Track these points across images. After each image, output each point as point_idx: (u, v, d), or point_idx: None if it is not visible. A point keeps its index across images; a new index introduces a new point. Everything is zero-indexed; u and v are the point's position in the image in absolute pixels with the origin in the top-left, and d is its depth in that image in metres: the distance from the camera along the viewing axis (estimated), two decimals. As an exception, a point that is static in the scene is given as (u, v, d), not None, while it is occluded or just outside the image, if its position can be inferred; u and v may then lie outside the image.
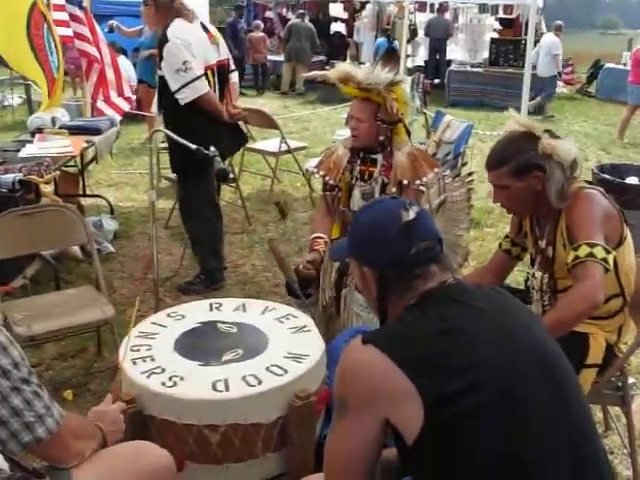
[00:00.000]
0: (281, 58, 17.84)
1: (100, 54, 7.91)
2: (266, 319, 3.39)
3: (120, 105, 7.76)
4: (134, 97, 8.49)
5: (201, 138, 4.24)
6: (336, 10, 20.02)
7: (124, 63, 12.53)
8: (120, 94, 7.80)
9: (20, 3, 6.87)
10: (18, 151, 5.95)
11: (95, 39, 7.95)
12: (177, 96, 5.11)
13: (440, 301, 1.97)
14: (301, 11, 18.31)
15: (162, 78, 5.20)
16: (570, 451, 1.85)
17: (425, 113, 8.87)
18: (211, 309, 3.51)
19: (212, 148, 3.93)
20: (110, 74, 8.00)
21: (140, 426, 2.86)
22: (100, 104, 7.85)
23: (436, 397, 1.78)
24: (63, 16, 7.84)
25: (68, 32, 7.86)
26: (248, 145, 7.94)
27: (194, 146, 3.82)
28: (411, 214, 2.02)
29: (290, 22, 17.76)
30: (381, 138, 4.00)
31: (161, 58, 5.13)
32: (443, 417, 1.78)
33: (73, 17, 7.81)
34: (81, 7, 7.81)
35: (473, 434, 1.79)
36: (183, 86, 5.09)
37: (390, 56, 4.06)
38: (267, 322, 3.35)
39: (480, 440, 1.78)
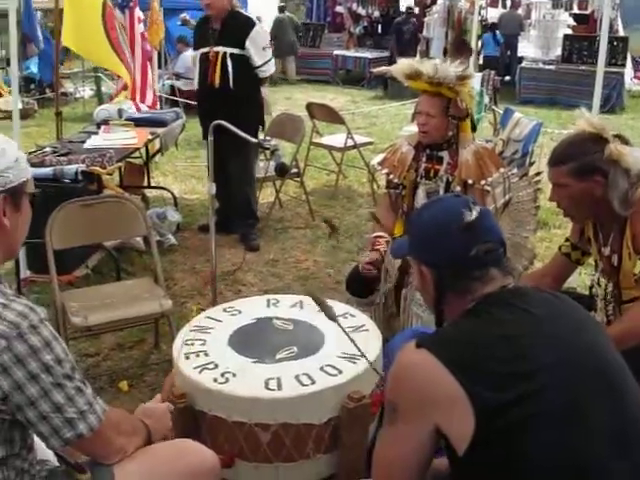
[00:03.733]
0: (350, 53, 17.78)
1: (133, 59, 7.91)
2: (323, 317, 3.32)
3: (142, 109, 7.76)
4: (152, 104, 8.46)
5: (260, 113, 6.06)
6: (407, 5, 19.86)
7: (190, 56, 12.70)
8: (142, 100, 7.81)
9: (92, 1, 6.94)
10: (83, 142, 6.00)
11: (132, 45, 7.95)
12: (262, 69, 6.04)
13: (498, 306, 1.89)
14: (282, 4, 18.39)
15: (235, 57, 5.88)
16: (631, 462, 1.77)
17: (494, 110, 8.72)
18: (268, 305, 3.47)
19: (273, 142, 3.91)
20: (137, 80, 8.01)
21: (190, 421, 2.84)
22: (123, 104, 7.87)
23: (489, 406, 1.72)
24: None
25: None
26: (314, 140, 7.93)
27: (255, 140, 3.78)
28: (473, 214, 1.94)
29: (275, 17, 17.57)
30: (449, 134, 3.91)
31: (239, 38, 5.89)
32: (496, 426, 1.72)
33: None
34: (127, 6, 7.82)
35: (530, 444, 1.72)
36: (265, 62, 6.04)
37: (461, 48, 3.98)
38: (324, 320, 3.28)
39: (538, 450, 1.71)
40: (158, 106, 8.36)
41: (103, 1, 6.93)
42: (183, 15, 11.73)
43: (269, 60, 6.12)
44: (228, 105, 5.67)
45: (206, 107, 6.03)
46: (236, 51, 5.89)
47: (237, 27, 5.97)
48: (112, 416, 2.05)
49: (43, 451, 2.15)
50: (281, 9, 17.86)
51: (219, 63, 5.86)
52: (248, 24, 6.03)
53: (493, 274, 1.95)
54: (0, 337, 1.79)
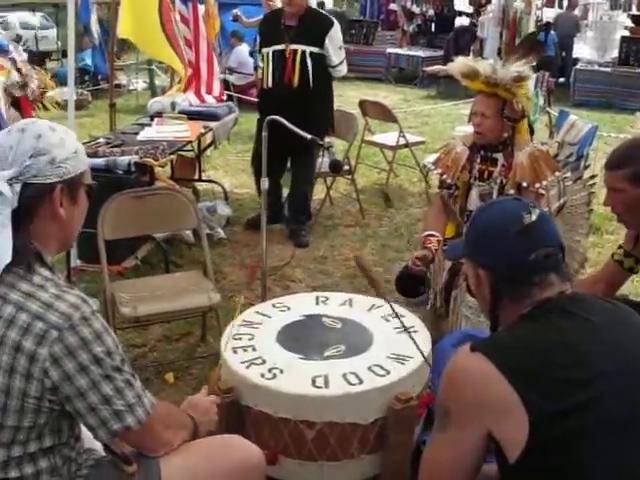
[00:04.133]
0: (404, 51, 17.69)
1: (198, 51, 7.95)
2: (372, 316, 3.31)
3: (208, 101, 7.79)
4: (219, 95, 8.50)
5: (332, 112, 6.19)
6: (461, 4, 19.71)
7: (243, 51, 12.78)
8: (209, 92, 7.84)
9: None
10: (136, 134, 6.04)
11: (196, 36, 8.00)
12: (338, 68, 6.04)
13: (556, 312, 1.86)
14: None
15: (314, 56, 5.85)
16: None
17: (549, 112, 8.62)
18: (317, 302, 3.46)
19: (327, 139, 3.89)
20: (204, 71, 8.05)
21: (236, 416, 2.84)
22: (190, 96, 7.92)
23: (545, 413, 1.69)
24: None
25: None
26: (366, 137, 7.90)
27: (309, 136, 3.76)
28: (533, 217, 1.91)
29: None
30: (504, 135, 3.86)
31: (318, 36, 5.86)
32: (552, 434, 1.69)
33: (181, 16, 7.90)
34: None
35: (587, 452, 1.70)
36: (341, 62, 6.04)
37: (533, 46, 3.93)
38: (373, 319, 3.27)
39: (595, 458, 1.70)
40: (225, 97, 8.38)
41: (160, -6, 6.99)
42: (235, 11, 11.78)
43: (344, 59, 6.11)
44: (304, 104, 5.66)
45: (278, 105, 5.42)
46: (315, 50, 5.85)
47: (316, 25, 5.95)
48: (160, 409, 2.06)
49: (90, 440, 2.15)
50: (320, 4, 17.72)
51: (298, 61, 5.80)
52: (327, 22, 6.01)
53: (551, 279, 1.92)
54: (52, 328, 1.80)
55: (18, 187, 1.86)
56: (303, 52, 5.80)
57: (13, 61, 7.06)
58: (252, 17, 11.83)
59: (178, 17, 7.31)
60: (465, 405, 1.78)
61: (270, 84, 5.95)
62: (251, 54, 12.30)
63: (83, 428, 2.04)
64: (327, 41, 5.89)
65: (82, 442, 2.11)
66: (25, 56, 8.72)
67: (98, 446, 2.21)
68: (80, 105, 11.82)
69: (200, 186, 7.35)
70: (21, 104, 6.76)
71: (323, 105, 6.09)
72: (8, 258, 1.83)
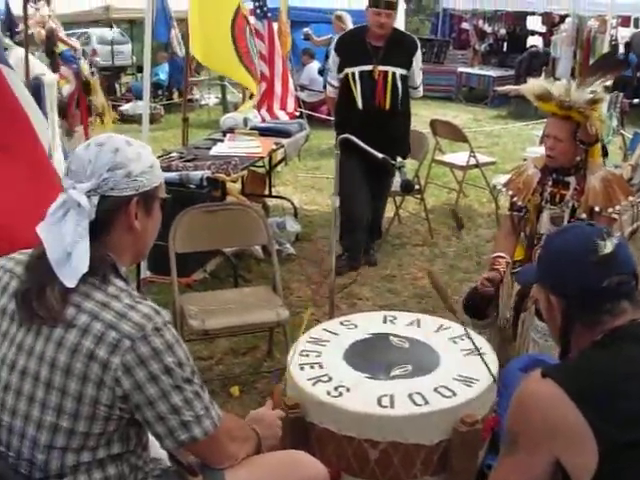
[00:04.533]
0: (475, 70, 17.60)
1: (272, 68, 8.02)
2: (440, 337, 3.29)
3: (281, 118, 7.85)
4: (293, 110, 8.57)
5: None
6: (534, 23, 19.53)
7: (314, 68, 12.89)
8: (283, 108, 7.89)
9: (225, 7, 7.08)
10: (209, 149, 6.13)
11: (271, 52, 8.07)
12: (419, 89, 6.08)
13: (628, 340, 1.83)
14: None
15: (402, 78, 5.79)
16: None
17: (622, 134, 8.48)
18: (385, 321, 3.45)
19: (399, 159, 3.88)
20: (278, 87, 8.11)
21: (300, 432, 2.85)
22: (263, 113, 7.98)
23: (616, 442, 1.67)
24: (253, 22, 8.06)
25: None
26: (436, 157, 7.87)
27: (381, 155, 3.76)
28: (608, 245, 1.89)
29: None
30: (577, 159, 3.81)
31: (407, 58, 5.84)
32: (622, 463, 1.66)
33: (256, 31, 7.99)
34: (265, 16, 7.94)
35: None
36: (421, 83, 6.06)
37: (616, 65, 3.87)
38: (440, 341, 3.25)
39: None
40: (297, 112, 8.45)
41: (235, 10, 7.08)
42: (306, 30, 11.89)
43: (422, 80, 6.09)
44: (393, 126, 5.69)
45: (366, 126, 5.27)
46: (404, 72, 5.79)
47: (404, 46, 5.89)
48: (226, 422, 2.07)
49: (156, 450, 2.18)
50: None
51: (390, 83, 5.74)
52: (414, 44, 5.97)
53: (624, 307, 1.89)
54: (125, 337, 1.83)
55: (96, 200, 1.91)
56: (393, 74, 5.74)
57: (76, 74, 7.23)
58: (322, 36, 11.95)
59: (253, 32, 7.39)
60: (535, 431, 1.76)
61: (360, 105, 5.76)
62: (321, 72, 12.49)
63: (151, 437, 2.07)
64: (414, 63, 5.87)
65: (149, 451, 2.13)
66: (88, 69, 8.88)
67: (164, 456, 2.24)
68: (153, 119, 12.01)
69: (270, 202, 7.41)
70: (81, 114, 6.93)
71: (407, 126, 6.08)
72: (85, 268, 1.87)
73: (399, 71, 5.75)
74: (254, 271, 5.81)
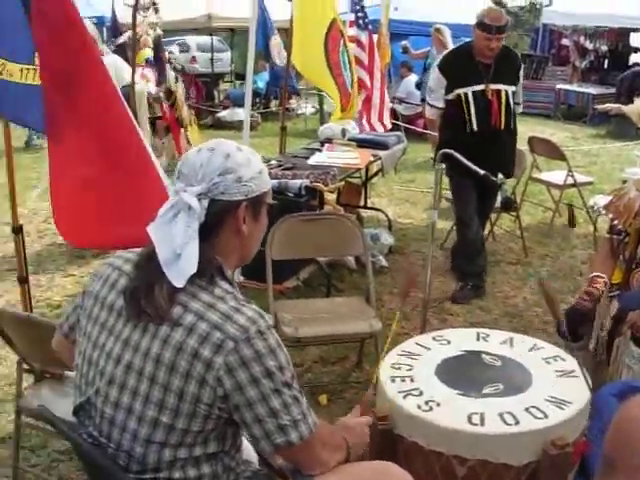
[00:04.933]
0: (574, 88, 17.30)
1: (372, 78, 8.07)
2: (532, 357, 3.25)
3: (377, 129, 7.88)
4: (389, 124, 8.58)
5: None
6: (637, 40, 19.06)
7: (412, 82, 12.90)
8: (380, 119, 7.92)
9: (321, 19, 7.18)
10: (307, 158, 6.19)
11: (371, 63, 8.12)
12: (521, 105, 5.97)
13: None
14: None
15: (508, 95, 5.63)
16: None
17: None
18: (478, 339, 3.43)
19: (500, 175, 3.86)
20: (376, 99, 8.15)
21: (388, 444, 2.85)
22: (364, 123, 8.03)
23: None
24: (353, 33, 8.12)
25: (352, 48, 8.14)
26: (533, 175, 7.78)
27: (482, 171, 3.75)
28: None
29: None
30: None
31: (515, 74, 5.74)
32: None
33: (357, 41, 8.05)
34: (367, 28, 7.99)
35: None
36: (522, 99, 5.95)
37: None
38: (533, 360, 3.21)
39: None
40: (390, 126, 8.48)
41: (332, 20, 7.16)
42: (404, 43, 11.90)
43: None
44: (506, 144, 5.64)
45: (481, 147, 5.21)
46: (514, 88, 5.68)
47: (511, 63, 5.76)
48: (321, 429, 2.09)
49: (248, 452, 2.22)
50: None
51: (504, 102, 5.61)
52: (519, 59, 5.90)
53: None
54: (229, 339, 1.87)
55: (206, 203, 1.96)
56: (506, 92, 5.62)
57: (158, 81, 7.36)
58: (420, 49, 11.94)
59: (347, 42, 7.44)
60: (635, 456, 1.74)
61: (475, 127, 5.57)
62: (418, 85, 12.49)
63: (244, 440, 2.11)
64: (520, 78, 5.80)
65: (242, 453, 2.16)
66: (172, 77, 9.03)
67: (255, 459, 2.28)
68: (250, 126, 12.17)
69: (364, 213, 7.44)
70: (171, 127, 7.04)
71: (515, 144, 5.97)
72: (193, 269, 1.92)
73: (510, 88, 5.65)
74: (346, 281, 5.85)
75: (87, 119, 3.59)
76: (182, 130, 8.97)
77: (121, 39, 8.06)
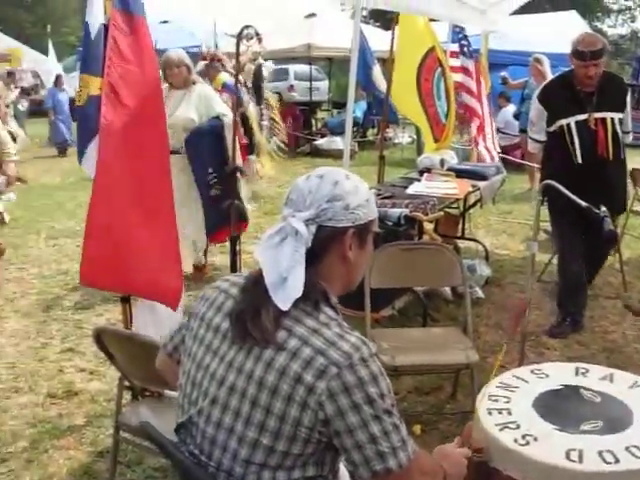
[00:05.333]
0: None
1: (482, 106, 8.08)
2: (633, 394, 3.18)
3: (495, 157, 7.85)
4: (497, 152, 8.55)
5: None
6: None
7: (509, 112, 12.84)
8: (494, 146, 7.92)
9: (417, 49, 7.24)
10: (406, 188, 6.21)
11: (479, 91, 8.14)
12: (630, 134, 5.68)
13: None
14: None
15: (614, 123, 5.40)
16: None
17: None
18: (577, 373, 3.37)
19: (603, 208, 3.80)
20: (488, 127, 8.16)
21: (483, 477, 2.82)
22: (481, 149, 8.02)
23: None
24: (458, 63, 8.15)
25: (459, 78, 8.17)
26: (634, 207, 7.63)
27: (584, 204, 3.71)
28: None
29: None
30: None
31: (620, 101, 5.47)
32: None
33: (464, 69, 8.07)
34: (472, 56, 8.02)
35: None
36: (632, 127, 5.69)
37: None
38: (634, 398, 3.15)
39: None
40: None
41: (429, 49, 7.22)
42: (503, 74, 11.84)
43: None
44: (613, 177, 5.44)
45: (586, 182, 4.92)
46: (620, 116, 5.43)
47: (616, 88, 5.54)
48: (420, 457, 2.10)
49: (341, 478, 2.23)
50: None
51: (610, 131, 5.37)
52: (624, 84, 5.73)
53: None
54: (333, 364, 1.90)
55: (313, 228, 2.01)
56: (612, 119, 5.38)
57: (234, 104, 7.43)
58: (517, 79, 11.87)
59: (447, 72, 7.48)
60: None
61: (580, 159, 5.38)
62: (516, 116, 12.40)
63: (341, 467, 2.13)
64: (627, 105, 5.53)
65: (339, 479, 2.18)
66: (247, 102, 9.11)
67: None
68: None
69: (461, 244, 7.41)
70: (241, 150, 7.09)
71: (625, 175, 5.76)
72: (299, 293, 1.96)
73: (617, 116, 5.40)
74: (442, 311, 5.85)
75: (134, 155, 3.77)
76: (253, 157, 9.10)
77: (198, 67, 8.18)
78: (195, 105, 6.51)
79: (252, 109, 9.24)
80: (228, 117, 6.50)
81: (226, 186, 6.38)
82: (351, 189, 2.06)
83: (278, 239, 2.02)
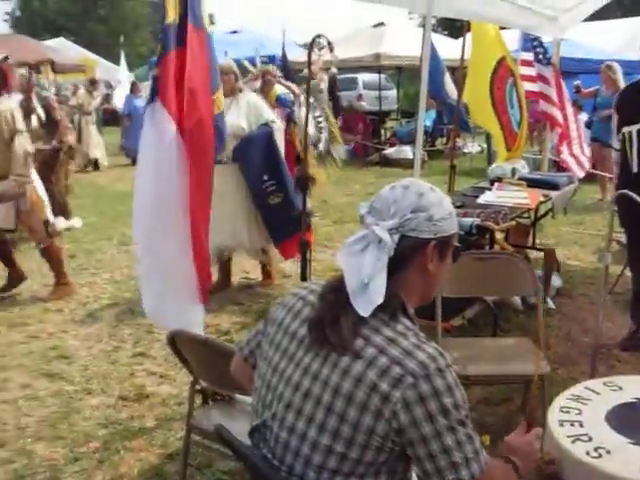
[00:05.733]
0: None
1: (564, 114, 7.99)
2: None
3: (583, 163, 7.75)
4: (587, 158, 8.44)
5: None
6: None
7: (582, 120, 12.68)
8: (582, 152, 7.81)
9: (489, 58, 7.22)
10: (476, 197, 6.18)
11: (561, 99, 8.05)
12: None
13: None
14: None
15: None
16: None
17: None
18: (651, 386, 3.34)
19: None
20: (574, 132, 8.06)
21: (557, 489, 2.81)
22: (565, 156, 7.93)
23: None
24: (530, 71, 8.08)
25: (533, 87, 8.09)
26: None
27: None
28: None
29: None
30: None
31: None
32: None
33: (540, 77, 8.00)
34: (549, 63, 7.94)
35: None
36: None
37: None
38: None
39: None
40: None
41: (500, 58, 7.19)
42: (577, 83, 11.70)
43: None
44: None
45: None
46: None
47: None
48: (493, 468, 2.09)
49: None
50: None
51: None
52: None
53: None
54: (408, 374, 1.90)
55: (396, 238, 2.02)
56: None
57: (287, 118, 7.45)
58: (589, 87, 11.72)
59: (518, 80, 7.44)
60: None
61: (635, 169, 5.25)
62: (588, 125, 12.24)
63: (413, 476, 2.13)
64: None
65: (411, 489, 2.18)
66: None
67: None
68: (417, 164, 12.28)
69: (531, 254, 7.34)
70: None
71: None
72: (380, 300, 1.97)
73: None
74: (512, 322, 5.79)
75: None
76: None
77: (257, 84, 8.22)
78: (245, 113, 6.57)
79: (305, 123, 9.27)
80: (277, 123, 6.56)
81: (286, 193, 6.42)
82: (435, 201, 2.07)
83: (360, 246, 2.04)
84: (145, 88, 17.45)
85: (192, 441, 3.65)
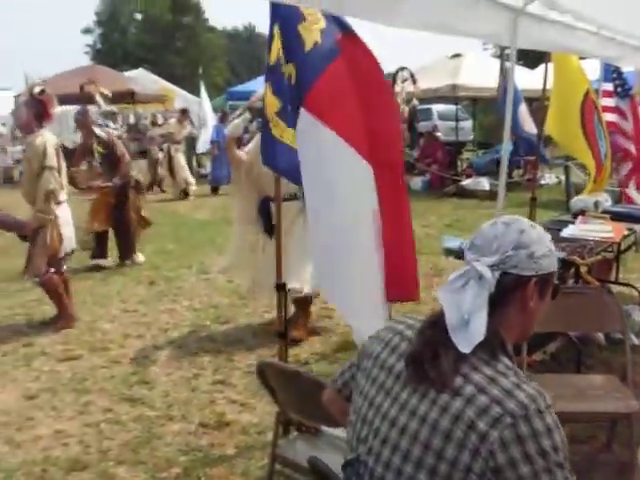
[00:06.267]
0: None
1: (637, 148, 7.88)
2: None
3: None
4: None
5: None
6: None
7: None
8: None
9: (577, 89, 7.16)
10: (559, 230, 6.10)
11: (637, 131, 7.93)
12: None
13: None
14: None
15: None
16: None
17: None
18: None
19: None
20: None
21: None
22: (631, 191, 7.80)
23: None
24: (610, 103, 8.00)
25: (613, 118, 8.02)
26: None
27: None
28: None
29: None
30: None
31: None
32: None
33: (617, 109, 7.91)
34: (627, 95, 7.84)
35: None
36: None
37: None
38: None
39: None
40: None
41: (586, 91, 7.13)
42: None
43: None
44: None
45: None
46: None
47: None
48: None
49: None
50: None
51: None
52: None
53: None
54: (508, 414, 1.88)
55: (497, 274, 2.01)
56: None
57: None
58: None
59: (600, 112, 7.36)
60: None
61: None
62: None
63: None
64: None
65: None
66: None
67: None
68: (492, 196, 12.18)
69: (614, 288, 7.19)
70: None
71: None
72: (481, 337, 1.97)
73: None
74: (595, 357, 5.67)
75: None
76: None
77: None
78: None
79: None
80: None
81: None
82: (536, 238, 2.07)
83: (461, 283, 2.04)
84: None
85: (274, 470, 3.66)
